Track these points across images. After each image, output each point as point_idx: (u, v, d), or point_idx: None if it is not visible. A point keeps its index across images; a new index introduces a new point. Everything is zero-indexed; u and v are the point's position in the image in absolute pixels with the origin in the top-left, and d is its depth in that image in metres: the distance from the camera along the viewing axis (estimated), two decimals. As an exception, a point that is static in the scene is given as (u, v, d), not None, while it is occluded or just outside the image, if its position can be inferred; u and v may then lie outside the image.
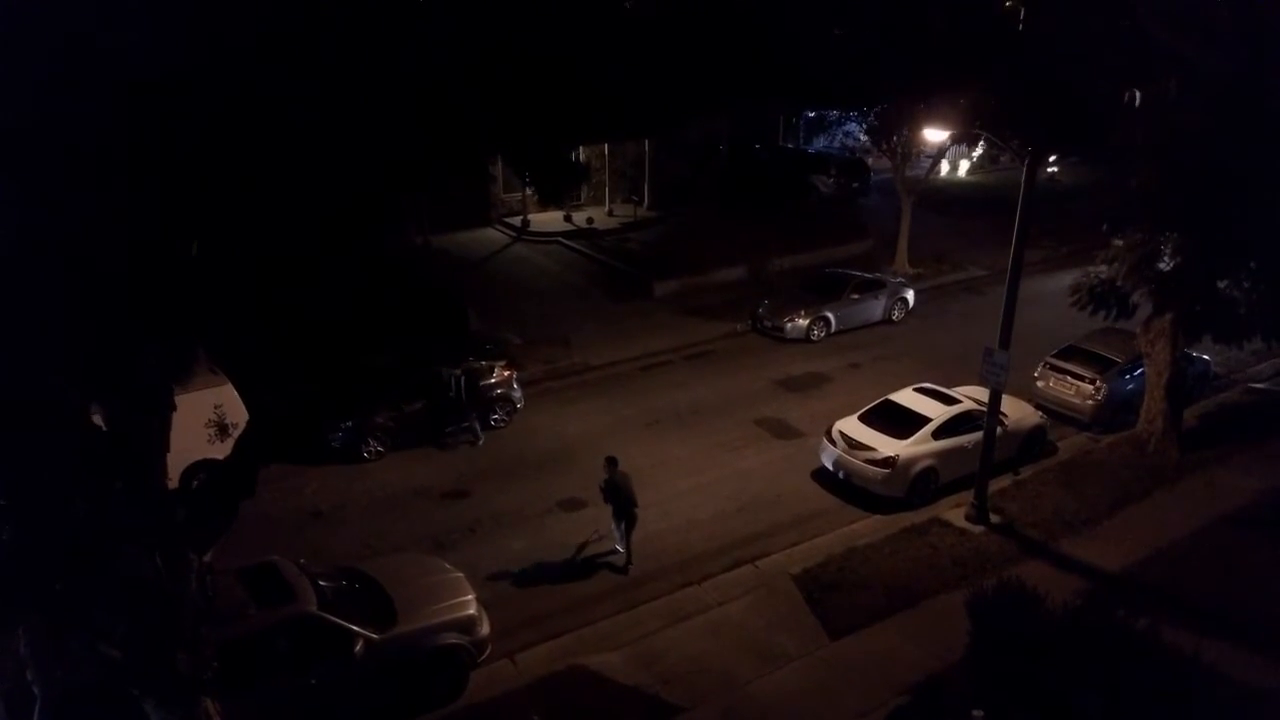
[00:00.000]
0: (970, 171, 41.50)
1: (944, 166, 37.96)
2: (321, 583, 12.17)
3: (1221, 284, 16.45)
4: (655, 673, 13.04)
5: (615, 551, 15.67)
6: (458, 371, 18.61)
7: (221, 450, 10.26)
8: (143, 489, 9.05)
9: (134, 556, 8.95)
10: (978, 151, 38.00)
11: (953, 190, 38.41)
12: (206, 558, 9.92)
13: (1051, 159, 35.56)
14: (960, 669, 12.37)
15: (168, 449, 9.53)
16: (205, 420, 11.15)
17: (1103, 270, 17.56)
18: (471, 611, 12.62)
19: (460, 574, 13.40)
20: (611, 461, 15.31)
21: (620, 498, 15.16)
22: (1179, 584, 14.83)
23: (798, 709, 12.41)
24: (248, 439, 9.83)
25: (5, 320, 6.92)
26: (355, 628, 11.63)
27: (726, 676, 12.99)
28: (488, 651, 12.83)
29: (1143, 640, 11.35)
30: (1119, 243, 16.84)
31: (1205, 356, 21.72)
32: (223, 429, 10.36)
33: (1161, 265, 16.31)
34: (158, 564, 9.14)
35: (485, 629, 12.73)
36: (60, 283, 6.78)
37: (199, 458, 14.06)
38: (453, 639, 12.29)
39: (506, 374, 20.09)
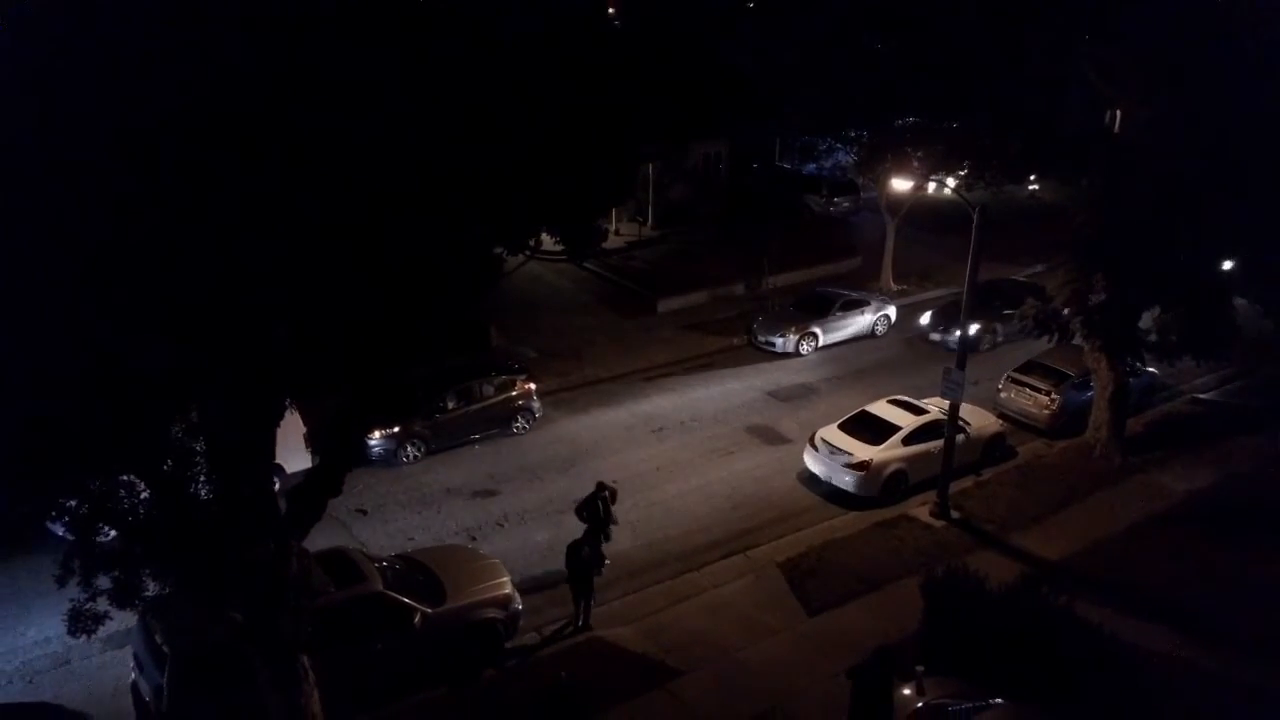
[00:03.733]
0: (956, 190, 43.73)
1: (930, 185, 40.24)
2: (384, 566, 14.66)
3: (1150, 313, 18.96)
4: (660, 643, 15.53)
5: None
6: (605, 493, 16.59)
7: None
8: (258, 488, 11.52)
9: (252, 541, 11.43)
10: (962, 171, 40.24)
11: (940, 208, 40.70)
12: (302, 543, 12.37)
13: (1031, 178, 38.17)
14: (915, 638, 14.82)
15: (274, 458, 12.04)
16: (302, 434, 13.65)
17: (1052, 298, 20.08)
18: (507, 591, 15.14)
19: (497, 560, 15.95)
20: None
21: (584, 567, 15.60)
22: (1108, 571, 17.31)
23: (780, 672, 14.88)
24: (335, 450, 12.28)
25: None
26: (414, 604, 14.13)
27: (720, 646, 15.47)
28: (520, 625, 15.34)
29: (1061, 613, 13.85)
30: (1056, 277, 19.38)
31: (1152, 370, 24.11)
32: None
33: (1092, 299, 18.80)
34: (269, 547, 11.61)
35: (518, 606, 15.24)
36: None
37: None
38: (492, 614, 14.82)
39: (527, 387, 22.58)
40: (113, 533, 10.62)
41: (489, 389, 22.05)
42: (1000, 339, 27.42)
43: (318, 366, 10.14)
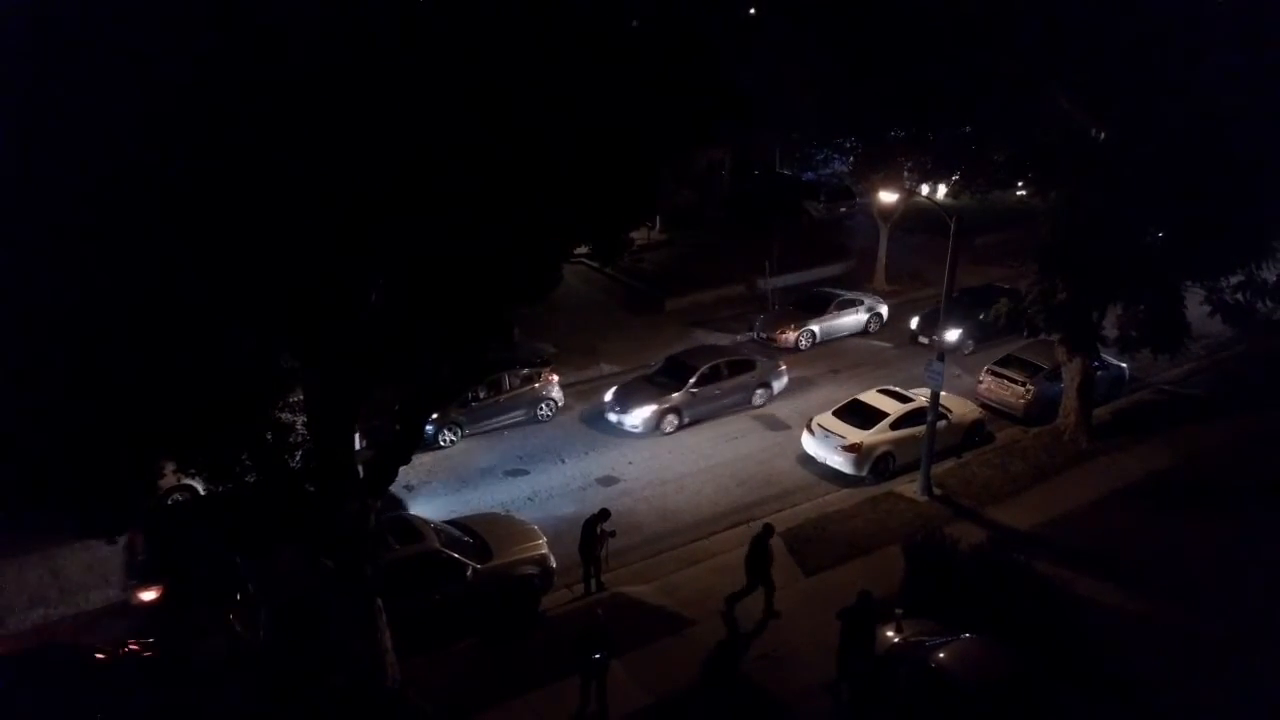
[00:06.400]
0: (948, 195, 45.98)
1: (923, 190, 42.47)
2: (438, 529, 16.94)
3: (1114, 312, 21.27)
4: (675, 599, 17.80)
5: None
6: (770, 534, 17.41)
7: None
8: (346, 456, 13.79)
9: (339, 501, 13.70)
10: (952, 179, 42.43)
11: (932, 212, 42.82)
12: (378, 504, 14.63)
13: (1019, 184, 40.37)
14: (898, 593, 17.07)
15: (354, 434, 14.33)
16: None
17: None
18: (544, 551, 17.44)
19: (534, 526, 18.23)
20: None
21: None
22: (1069, 538, 19.59)
23: (780, 621, 17.14)
24: (404, 426, 14.52)
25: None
26: (465, 560, 16.40)
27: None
28: (554, 582, 17.63)
29: (1020, 568, 16.15)
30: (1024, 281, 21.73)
31: (1122, 364, 26.34)
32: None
33: (1057, 298, 21.11)
34: (353, 506, 13.87)
35: (552, 564, 17.53)
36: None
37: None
38: (530, 570, 17.12)
39: (550, 378, 24.87)
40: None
41: (516, 380, 24.33)
42: (681, 424, 24.18)
43: (409, 354, 12.45)
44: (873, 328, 30.95)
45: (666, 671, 15.89)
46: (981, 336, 28.27)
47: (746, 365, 25.55)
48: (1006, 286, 30.77)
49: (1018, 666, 13.83)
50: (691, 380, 24.39)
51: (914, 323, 30.34)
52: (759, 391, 25.59)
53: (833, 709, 15.03)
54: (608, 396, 24.87)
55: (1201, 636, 16.50)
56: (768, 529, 17.37)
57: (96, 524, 11.33)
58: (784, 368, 26.42)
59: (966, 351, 28.48)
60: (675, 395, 24.17)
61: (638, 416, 23.82)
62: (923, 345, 29.20)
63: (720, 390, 24.79)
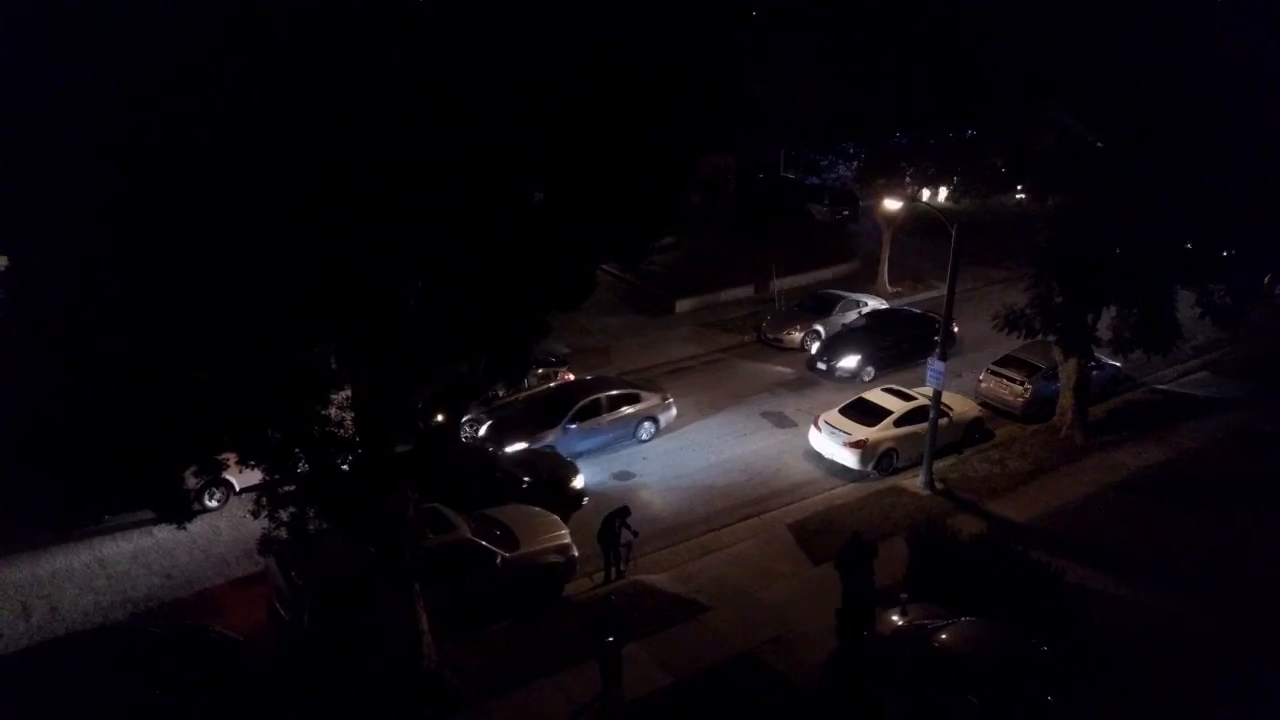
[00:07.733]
0: (948, 199, 47.00)
1: (925, 194, 43.43)
2: (469, 520, 17.93)
3: (1108, 314, 22.24)
4: (691, 586, 18.78)
5: None
6: (629, 522, 18.44)
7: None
8: (387, 452, 14.77)
9: (383, 492, 14.67)
10: (952, 183, 43.43)
11: (933, 215, 43.87)
12: (416, 495, 15.60)
13: (1019, 188, 41.37)
14: (902, 580, 18.06)
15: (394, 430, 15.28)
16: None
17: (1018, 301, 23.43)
18: (567, 541, 18.43)
19: (557, 517, 19.22)
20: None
21: None
22: (1064, 529, 20.58)
23: (789, 607, 18.11)
24: (440, 425, 15.48)
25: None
26: (494, 549, 17.40)
27: (740, 589, 18.70)
28: (576, 569, 18.62)
29: (1017, 556, 17.13)
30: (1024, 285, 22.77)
31: (1116, 364, 27.31)
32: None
33: (1053, 301, 22.13)
34: (395, 498, 14.85)
35: (575, 553, 18.52)
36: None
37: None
38: (555, 558, 18.11)
39: (566, 378, 25.86)
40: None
41: (533, 380, 25.31)
42: None
43: (451, 356, 13.46)
44: (875, 328, 31.87)
45: (685, 653, 16.85)
46: (883, 361, 28.36)
47: (630, 399, 24.32)
48: (917, 311, 31.33)
49: (1014, 646, 14.80)
50: (567, 417, 23.36)
51: (814, 348, 29.68)
52: (645, 425, 24.44)
53: (839, 687, 16.01)
54: (480, 431, 23.80)
55: (1187, 622, 17.48)
56: (855, 536, 17.27)
57: (169, 512, 12.30)
58: (670, 401, 25.10)
59: (866, 378, 27.95)
60: (549, 433, 23.07)
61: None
62: (820, 371, 28.60)
63: (600, 425, 23.81)
